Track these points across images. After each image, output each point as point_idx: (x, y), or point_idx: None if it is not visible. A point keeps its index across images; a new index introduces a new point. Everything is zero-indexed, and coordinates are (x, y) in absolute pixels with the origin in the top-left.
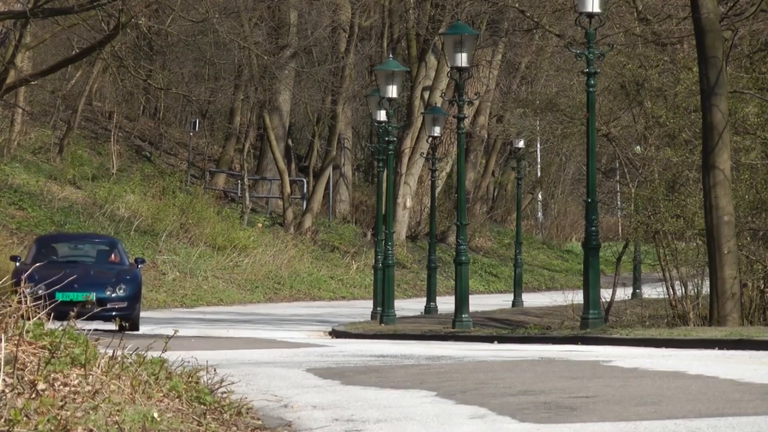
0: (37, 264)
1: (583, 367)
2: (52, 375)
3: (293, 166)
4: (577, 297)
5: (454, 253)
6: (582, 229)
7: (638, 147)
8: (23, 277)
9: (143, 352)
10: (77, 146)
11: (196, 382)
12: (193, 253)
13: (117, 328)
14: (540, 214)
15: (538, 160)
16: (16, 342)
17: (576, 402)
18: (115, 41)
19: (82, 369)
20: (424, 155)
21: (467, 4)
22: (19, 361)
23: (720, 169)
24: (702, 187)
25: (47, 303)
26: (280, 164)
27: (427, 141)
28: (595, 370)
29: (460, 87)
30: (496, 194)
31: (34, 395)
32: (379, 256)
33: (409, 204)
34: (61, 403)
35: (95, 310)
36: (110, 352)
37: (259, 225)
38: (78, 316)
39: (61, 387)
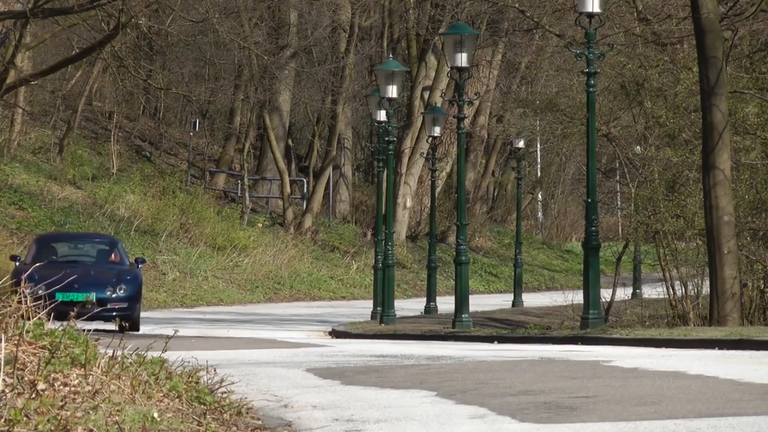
0: (37, 264)
1: (583, 367)
2: (52, 375)
3: (293, 166)
4: (577, 297)
5: (454, 253)
6: (582, 229)
7: (638, 147)
8: (23, 277)
9: (143, 352)
10: (77, 146)
11: (196, 382)
12: (193, 253)
13: (117, 329)
14: (540, 214)
15: (538, 160)
16: (16, 342)
17: (576, 402)
18: (115, 41)
19: (82, 369)
20: (424, 155)
21: (467, 4)
22: (19, 361)
23: (720, 169)
24: (702, 187)
25: (47, 303)
26: (280, 164)
27: (427, 141)
28: (595, 370)
29: (460, 87)
30: (496, 194)
31: (34, 395)
32: (379, 256)
33: (409, 204)
34: (61, 403)
35: (95, 310)
36: (110, 352)
37: (259, 225)
38: (78, 316)
39: (61, 387)
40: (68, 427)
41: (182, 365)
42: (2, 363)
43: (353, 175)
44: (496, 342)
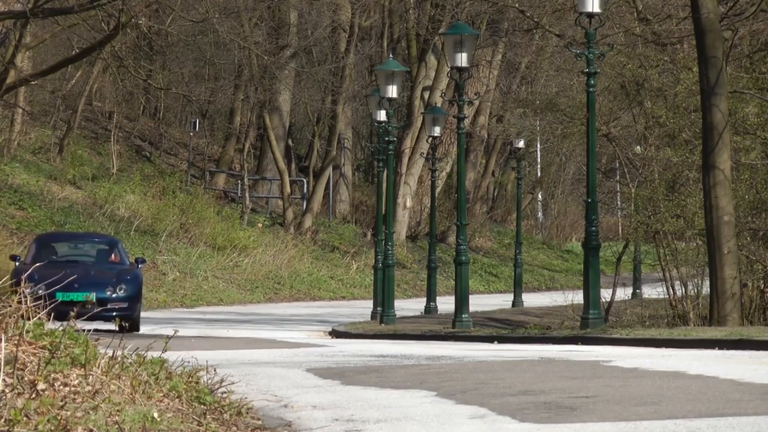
0: (37, 264)
1: (583, 367)
2: (52, 375)
3: (293, 166)
4: (577, 297)
5: (454, 253)
6: (582, 229)
7: (638, 147)
8: (23, 276)
9: (143, 352)
10: (77, 146)
11: (196, 382)
12: (193, 253)
13: (117, 329)
14: (540, 214)
15: (538, 160)
16: (16, 342)
17: (576, 402)
18: (115, 41)
19: (82, 369)
20: (424, 155)
21: (467, 4)
22: (19, 361)
23: (720, 169)
24: (702, 187)
25: (47, 303)
26: (280, 164)
27: (427, 141)
28: (595, 370)
29: (460, 87)
30: (496, 194)
31: (34, 395)
32: (379, 256)
33: (409, 204)
34: (61, 403)
35: (95, 310)
36: (110, 352)
37: (259, 225)
38: (78, 316)
39: (61, 387)
40: (68, 427)
41: (182, 365)
42: (2, 363)
43: (353, 175)
44: (496, 342)
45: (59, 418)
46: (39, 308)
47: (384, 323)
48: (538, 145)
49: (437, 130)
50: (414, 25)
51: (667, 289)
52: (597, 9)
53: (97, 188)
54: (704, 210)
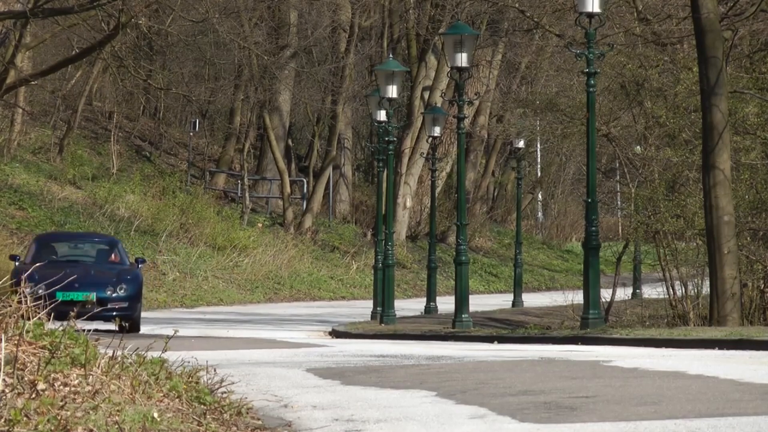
0: (37, 264)
1: (583, 367)
2: (52, 375)
3: (293, 166)
4: (577, 297)
5: (454, 253)
6: (582, 229)
7: (638, 147)
8: (23, 276)
9: (143, 352)
10: (77, 146)
11: (196, 382)
12: (193, 253)
13: (117, 328)
14: (540, 214)
15: (538, 160)
16: (16, 342)
17: (576, 402)
18: (115, 41)
19: (82, 369)
20: (424, 155)
21: (467, 4)
22: (19, 361)
23: (720, 169)
24: (702, 187)
25: (47, 303)
26: (280, 164)
27: (427, 141)
28: (595, 370)
29: (460, 87)
30: (496, 194)
31: (34, 395)
32: (379, 256)
33: (409, 204)
34: (61, 403)
35: (96, 310)
36: (110, 352)
37: (259, 225)
38: (78, 316)
39: (61, 387)
40: (68, 427)
41: (182, 365)
42: (2, 363)
43: (353, 175)
44: (496, 342)
45: (59, 418)
46: (39, 308)
47: (384, 323)
48: (538, 145)
49: (437, 130)
50: (414, 25)
51: (667, 289)
52: (597, 9)
53: (97, 188)
54: (704, 210)
